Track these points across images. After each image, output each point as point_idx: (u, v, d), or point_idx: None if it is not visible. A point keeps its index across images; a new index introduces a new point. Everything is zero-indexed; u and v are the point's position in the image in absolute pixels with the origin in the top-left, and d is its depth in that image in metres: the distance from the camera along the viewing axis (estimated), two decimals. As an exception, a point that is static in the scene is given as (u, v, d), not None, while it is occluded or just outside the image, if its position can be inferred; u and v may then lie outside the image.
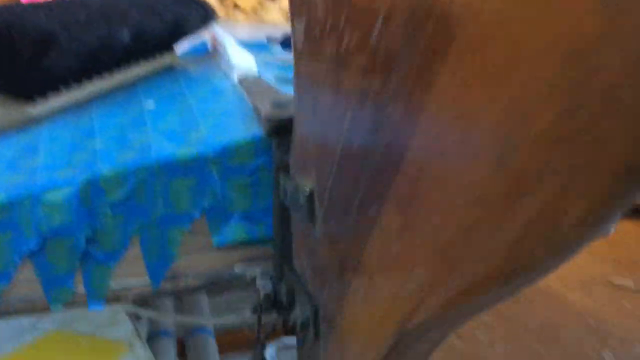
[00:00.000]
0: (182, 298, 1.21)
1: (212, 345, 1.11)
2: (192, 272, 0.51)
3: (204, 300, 1.26)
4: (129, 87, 0.72)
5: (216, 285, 0.51)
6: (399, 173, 0.26)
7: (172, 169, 0.49)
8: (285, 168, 0.47)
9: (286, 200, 0.45)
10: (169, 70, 0.79)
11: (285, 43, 0.92)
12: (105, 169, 0.48)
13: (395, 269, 0.28)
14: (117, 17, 0.69)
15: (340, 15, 0.31)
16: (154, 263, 0.50)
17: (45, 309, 0.48)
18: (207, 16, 0.85)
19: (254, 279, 0.51)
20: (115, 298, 0.50)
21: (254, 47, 0.88)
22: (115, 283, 0.50)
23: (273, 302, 0.49)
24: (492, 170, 0.20)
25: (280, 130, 0.48)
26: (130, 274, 0.50)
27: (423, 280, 0.25)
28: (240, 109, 0.58)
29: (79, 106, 0.66)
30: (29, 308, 0.48)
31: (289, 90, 0.54)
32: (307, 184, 0.39)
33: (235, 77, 0.71)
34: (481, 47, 0.20)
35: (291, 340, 1.41)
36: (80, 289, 0.49)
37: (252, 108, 0.56)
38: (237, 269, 0.52)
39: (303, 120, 0.41)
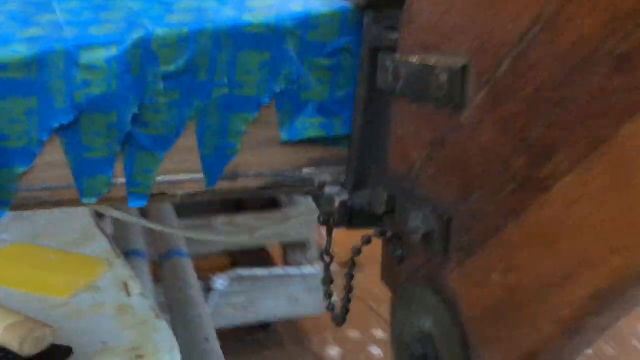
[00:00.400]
0: (148, 213, 1.11)
1: (190, 267, 1.03)
2: (252, 171, 0.42)
3: (172, 218, 1.17)
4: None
5: (279, 189, 0.43)
6: None
7: (243, 37, 0.39)
8: (386, 50, 0.38)
9: (393, 86, 0.37)
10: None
11: None
12: (159, 29, 0.38)
13: None
14: None
15: None
16: (210, 155, 0.41)
17: (73, 202, 0.38)
18: None
19: (322, 185, 0.43)
20: (160, 193, 0.40)
21: None
22: (162, 177, 0.40)
23: (358, 212, 0.41)
24: None
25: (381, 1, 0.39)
26: (180, 169, 0.41)
27: None
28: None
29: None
30: (52, 199, 0.38)
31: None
32: (454, 62, 0.31)
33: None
34: None
35: (247, 271, 1.36)
36: (120, 180, 0.39)
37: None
38: (305, 171, 0.43)
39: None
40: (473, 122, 0.30)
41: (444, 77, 0.32)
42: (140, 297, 0.61)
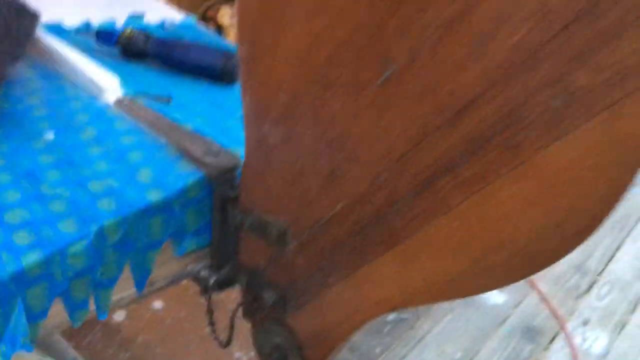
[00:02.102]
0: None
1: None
2: (160, 277, 0.74)
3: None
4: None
5: (177, 281, 0.75)
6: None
7: (151, 211, 0.70)
8: (232, 200, 0.73)
9: (240, 227, 0.72)
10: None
11: (100, 35, 1.02)
12: (105, 217, 0.66)
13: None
14: None
15: (334, 152, 0.60)
16: (138, 277, 0.71)
17: (68, 326, 0.66)
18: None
19: (198, 271, 0.77)
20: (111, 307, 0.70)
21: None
22: (114, 297, 0.70)
23: (219, 284, 0.76)
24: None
25: (221, 174, 0.73)
26: (122, 288, 0.70)
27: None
28: (159, 147, 0.77)
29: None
30: (57, 328, 0.65)
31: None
32: (279, 223, 0.68)
33: (108, 99, 0.86)
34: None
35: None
36: (92, 307, 0.68)
37: (172, 147, 0.77)
38: (189, 267, 0.76)
39: (272, 174, 0.68)
40: (291, 252, 0.68)
41: (275, 231, 0.68)
42: None
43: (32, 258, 0.61)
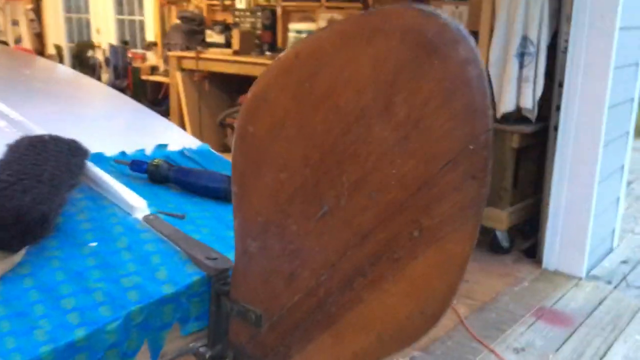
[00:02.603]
0: None
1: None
2: (169, 351, 1.00)
3: None
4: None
5: (182, 355, 1.01)
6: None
7: (165, 301, 0.97)
8: (224, 293, 1.00)
9: (230, 314, 0.98)
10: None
11: (134, 164, 1.34)
12: (132, 305, 0.94)
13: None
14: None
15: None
16: (153, 350, 0.97)
17: (101, 388, 0.91)
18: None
19: (198, 348, 1.03)
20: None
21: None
22: (135, 365, 0.96)
23: (214, 358, 1.02)
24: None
25: (217, 274, 1.01)
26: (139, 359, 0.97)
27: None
28: (174, 253, 1.06)
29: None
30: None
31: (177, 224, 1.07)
32: (256, 310, 0.94)
33: (137, 215, 1.16)
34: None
35: None
36: (119, 372, 0.94)
37: (183, 254, 1.05)
38: (191, 344, 1.02)
39: (251, 279, 0.95)
40: (264, 332, 0.94)
41: (253, 316, 0.95)
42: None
43: (80, 333, 0.89)
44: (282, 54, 0.83)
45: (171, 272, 1.01)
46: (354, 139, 0.76)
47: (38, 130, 1.33)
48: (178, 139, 1.62)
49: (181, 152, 1.54)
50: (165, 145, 1.53)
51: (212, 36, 4.82)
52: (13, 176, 1.02)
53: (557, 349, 2.45)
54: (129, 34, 6.10)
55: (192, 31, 4.93)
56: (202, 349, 1.03)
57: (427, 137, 0.68)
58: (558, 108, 2.99)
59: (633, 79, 3.18)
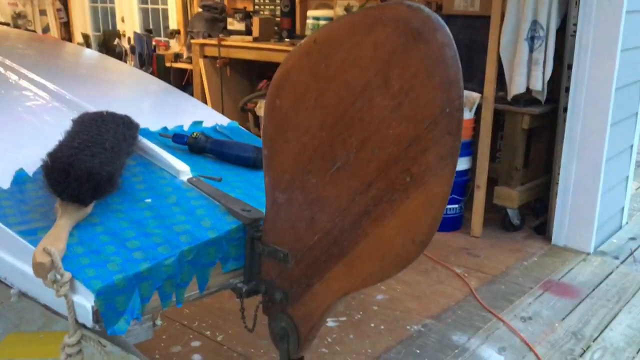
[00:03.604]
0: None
1: None
2: (213, 285, 1.25)
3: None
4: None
5: (223, 289, 1.26)
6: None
7: (210, 244, 1.22)
8: (257, 238, 1.24)
9: (262, 254, 1.23)
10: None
11: (176, 137, 1.59)
12: (184, 245, 1.18)
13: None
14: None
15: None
16: (201, 283, 1.22)
17: (159, 311, 1.17)
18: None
19: (236, 284, 1.28)
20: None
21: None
22: (185, 295, 1.21)
23: (248, 292, 1.27)
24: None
25: (251, 222, 1.25)
26: (190, 290, 1.21)
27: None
28: (215, 206, 1.31)
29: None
30: (154, 309, 1.16)
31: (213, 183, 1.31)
32: (284, 250, 1.19)
33: (183, 178, 1.40)
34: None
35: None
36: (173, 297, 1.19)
37: (222, 207, 1.30)
38: (231, 280, 1.27)
39: (280, 223, 1.19)
40: (290, 267, 1.18)
41: (281, 255, 1.19)
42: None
43: (144, 266, 1.14)
44: (302, 41, 1.07)
45: (214, 221, 1.26)
46: (360, 107, 0.99)
47: (91, 108, 1.58)
48: (209, 116, 1.86)
49: (214, 128, 1.78)
50: (200, 122, 1.77)
51: (233, 24, 5.05)
52: (82, 144, 1.27)
53: (563, 318, 2.63)
54: (153, 23, 6.37)
55: (214, 19, 5.17)
56: (239, 284, 1.27)
57: (416, 104, 0.91)
58: (567, 90, 3.17)
59: (641, 61, 3.35)
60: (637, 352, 2.42)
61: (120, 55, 5.82)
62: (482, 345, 2.42)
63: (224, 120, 1.84)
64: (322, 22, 4.70)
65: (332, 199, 1.07)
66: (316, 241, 1.11)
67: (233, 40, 4.84)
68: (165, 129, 1.68)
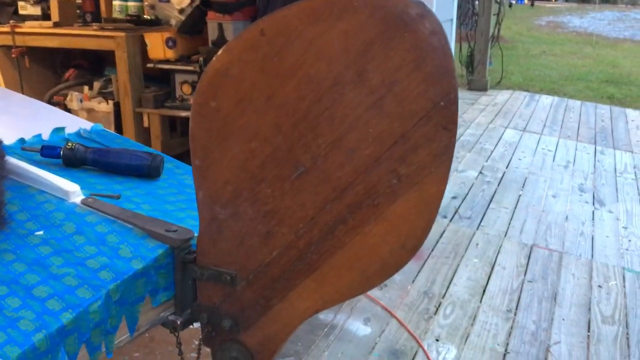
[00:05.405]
0: None
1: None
2: (143, 323, 1.06)
3: None
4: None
5: (155, 326, 1.08)
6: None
7: (137, 276, 1.03)
8: (190, 261, 1.08)
9: (200, 278, 1.07)
10: None
11: (45, 150, 1.32)
12: (108, 283, 0.98)
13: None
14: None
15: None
16: (130, 324, 1.03)
17: (90, 366, 0.96)
18: None
19: (167, 317, 1.10)
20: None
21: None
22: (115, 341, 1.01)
23: (183, 323, 1.10)
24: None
25: (180, 244, 1.08)
26: (119, 335, 1.02)
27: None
28: (128, 230, 1.11)
29: None
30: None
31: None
32: (230, 271, 1.04)
33: (74, 200, 1.17)
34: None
35: None
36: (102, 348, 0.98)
37: (137, 230, 1.10)
38: (162, 314, 1.09)
39: (223, 239, 1.04)
40: (240, 290, 1.04)
41: (227, 277, 1.04)
42: None
43: (66, 317, 0.92)
44: (242, 32, 0.92)
45: (134, 248, 1.06)
46: (328, 105, 0.88)
47: None
48: (65, 120, 1.59)
49: (78, 133, 1.52)
50: (62, 129, 1.50)
51: (26, 8, 4.45)
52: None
53: (413, 281, 2.79)
54: None
55: (1, 3, 4.52)
56: (171, 317, 1.10)
57: (402, 98, 0.83)
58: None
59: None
60: (480, 302, 2.64)
61: None
62: (349, 319, 2.48)
63: (86, 124, 1.58)
64: (130, 4, 4.35)
65: (293, 209, 0.95)
66: (274, 258, 0.99)
67: (30, 26, 4.27)
68: (22, 140, 1.39)
